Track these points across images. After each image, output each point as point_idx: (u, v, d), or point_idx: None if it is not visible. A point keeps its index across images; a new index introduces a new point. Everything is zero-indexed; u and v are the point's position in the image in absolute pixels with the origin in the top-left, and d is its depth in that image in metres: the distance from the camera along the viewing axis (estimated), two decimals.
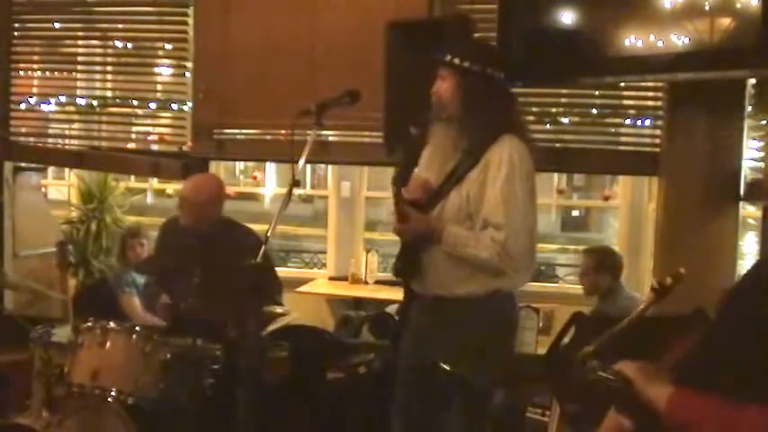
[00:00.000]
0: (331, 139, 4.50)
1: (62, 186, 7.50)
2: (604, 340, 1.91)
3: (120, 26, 4.98)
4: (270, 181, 7.43)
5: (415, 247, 2.84)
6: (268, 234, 2.76)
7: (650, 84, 4.10)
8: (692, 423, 1.58)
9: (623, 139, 4.34)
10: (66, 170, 7.09)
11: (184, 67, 4.82)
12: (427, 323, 2.90)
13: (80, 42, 5.16)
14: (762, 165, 3.68)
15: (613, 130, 4.35)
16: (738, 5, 3.09)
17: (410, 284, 2.97)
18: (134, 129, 5.19)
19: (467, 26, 3.75)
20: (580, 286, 4.49)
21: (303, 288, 5.80)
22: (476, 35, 3.88)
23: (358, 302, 5.79)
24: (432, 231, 2.76)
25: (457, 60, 2.77)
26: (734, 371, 1.57)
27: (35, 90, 5.20)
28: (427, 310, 2.90)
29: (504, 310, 2.84)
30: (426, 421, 2.91)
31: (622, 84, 4.18)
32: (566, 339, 2.59)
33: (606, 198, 7.01)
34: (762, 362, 1.52)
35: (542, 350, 4.48)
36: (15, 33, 5.09)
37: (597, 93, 4.28)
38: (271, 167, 7.70)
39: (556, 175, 8.81)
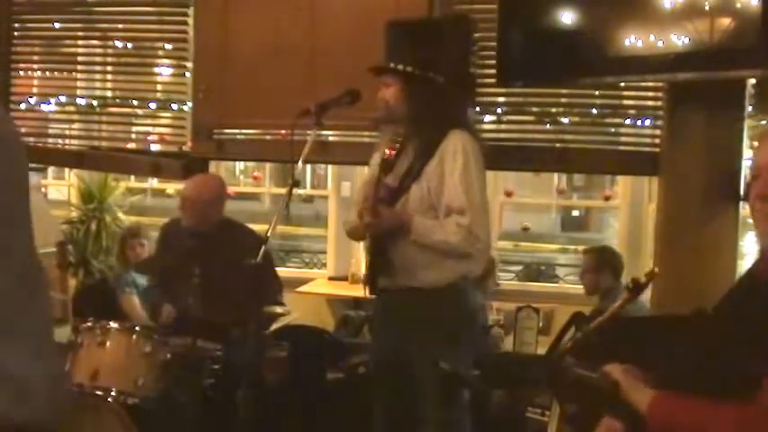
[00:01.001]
0: (331, 139, 4.49)
1: (62, 186, 7.49)
2: (581, 338, 1.92)
3: (120, 26, 4.97)
4: (270, 181, 7.43)
5: (384, 243, 2.94)
6: (268, 234, 2.77)
7: (650, 84, 4.10)
8: (671, 426, 1.60)
9: (623, 139, 4.34)
10: (66, 170, 7.08)
11: (184, 67, 4.82)
12: (398, 317, 3.00)
13: (80, 42, 5.16)
14: None
15: (613, 130, 4.35)
16: (738, 5, 3.09)
17: (376, 282, 3.03)
18: (134, 129, 5.18)
19: (466, 26, 3.75)
20: (580, 286, 4.49)
21: (303, 288, 5.80)
22: (475, 35, 3.89)
23: (358, 302, 5.78)
24: (401, 223, 2.89)
25: (400, 66, 2.95)
26: (726, 371, 1.57)
27: (35, 90, 5.20)
28: (396, 305, 3.00)
29: (469, 296, 3.00)
30: (407, 414, 2.98)
31: (622, 84, 4.18)
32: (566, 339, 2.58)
33: (606, 198, 7.01)
34: (754, 363, 1.52)
35: (542, 350, 4.49)
36: (15, 33, 5.09)
37: (597, 93, 4.28)
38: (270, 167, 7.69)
39: (556, 175, 8.83)
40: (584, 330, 1.94)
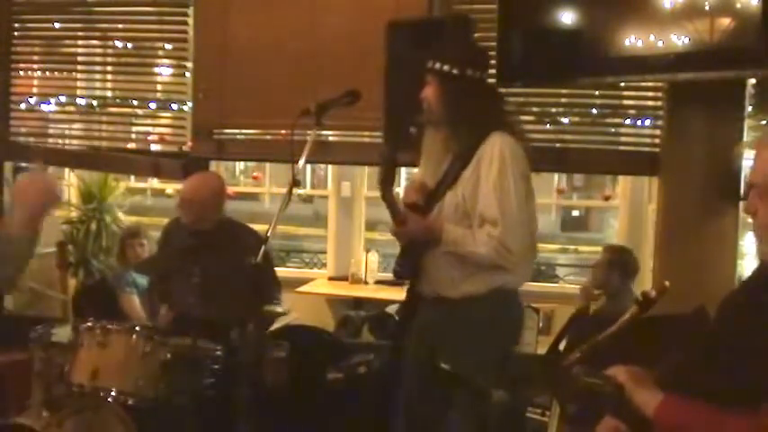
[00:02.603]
0: (331, 139, 4.50)
1: (62, 186, 7.50)
2: (589, 348, 1.91)
3: (120, 26, 4.98)
4: (270, 181, 7.44)
5: (416, 250, 2.86)
6: (268, 234, 2.76)
7: (650, 84, 4.10)
8: (678, 430, 1.59)
9: (623, 139, 4.34)
10: (66, 170, 7.08)
11: (184, 67, 4.82)
12: (431, 323, 2.92)
13: (80, 42, 5.17)
14: None
15: (613, 130, 4.35)
16: (738, 5, 3.09)
17: (415, 286, 2.97)
18: (134, 129, 5.19)
19: (467, 26, 3.75)
20: (582, 284, 4.48)
21: (303, 288, 5.80)
22: (475, 35, 3.88)
23: (358, 302, 5.79)
24: (430, 233, 2.79)
25: (438, 65, 2.82)
26: (731, 375, 1.57)
27: (35, 90, 5.20)
28: (431, 311, 2.92)
29: (506, 309, 2.87)
30: (428, 421, 2.92)
31: (622, 84, 4.18)
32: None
33: (606, 198, 7.01)
34: (757, 366, 1.52)
35: (542, 350, 4.49)
36: (15, 33, 5.09)
37: (597, 93, 4.29)
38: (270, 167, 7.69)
39: (556, 175, 8.83)
40: (592, 342, 1.93)
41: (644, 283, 5.27)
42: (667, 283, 1.93)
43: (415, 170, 3.18)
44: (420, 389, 2.94)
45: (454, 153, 2.84)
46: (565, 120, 4.32)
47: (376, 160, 4.42)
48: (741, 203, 3.69)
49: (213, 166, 5.02)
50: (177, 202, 3.86)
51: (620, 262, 4.27)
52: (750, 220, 1.75)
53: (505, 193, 2.70)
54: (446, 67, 2.81)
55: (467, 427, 2.84)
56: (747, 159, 3.72)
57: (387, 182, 2.84)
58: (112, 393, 3.20)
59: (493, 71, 3.86)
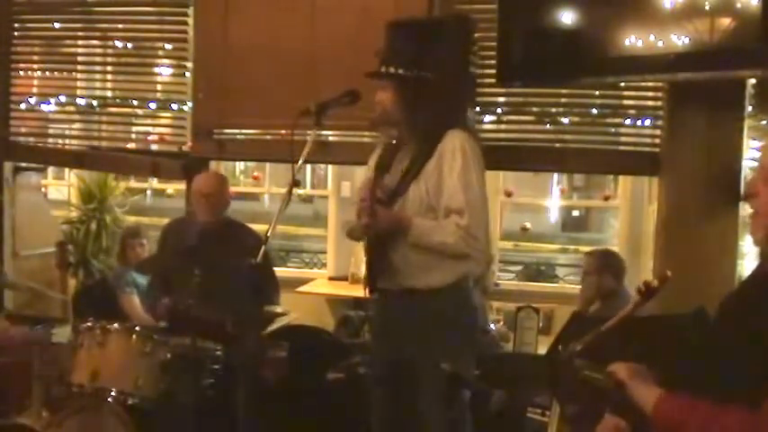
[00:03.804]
0: (331, 139, 4.49)
1: (62, 186, 7.50)
2: (591, 340, 1.92)
3: (120, 26, 4.97)
4: (270, 181, 7.43)
5: (383, 245, 2.93)
6: (268, 234, 2.76)
7: (650, 84, 4.10)
8: (676, 426, 1.60)
9: (623, 139, 4.34)
10: (66, 170, 7.08)
11: (184, 67, 4.82)
12: (398, 318, 2.99)
13: (80, 42, 5.16)
14: None
15: (613, 130, 4.34)
16: (738, 5, 3.09)
17: (376, 283, 3.02)
18: (134, 129, 5.18)
19: (467, 26, 3.75)
20: (580, 286, 4.48)
21: (303, 288, 5.80)
22: (475, 35, 3.88)
23: (358, 302, 5.78)
24: (399, 224, 2.88)
25: (391, 69, 2.94)
26: (730, 374, 1.57)
27: (35, 90, 5.20)
28: (396, 306, 2.99)
29: (469, 296, 2.99)
30: (406, 415, 2.99)
31: (622, 84, 4.17)
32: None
33: (606, 198, 7.00)
34: (757, 365, 1.52)
35: (542, 350, 4.49)
36: (15, 33, 5.09)
37: (597, 93, 4.28)
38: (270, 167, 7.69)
39: (556, 175, 8.84)
40: (594, 333, 1.93)
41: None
42: (669, 272, 1.93)
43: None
44: (394, 384, 3.02)
45: (412, 150, 2.97)
46: (565, 120, 4.31)
47: None
48: (741, 203, 3.69)
49: (213, 166, 5.01)
50: (196, 200, 3.88)
51: (609, 264, 4.27)
52: (748, 208, 1.74)
53: (469, 184, 2.85)
54: (400, 70, 2.93)
55: (438, 414, 2.88)
56: (747, 159, 3.72)
57: (375, 179, 2.94)
58: (112, 393, 3.21)
59: (493, 71, 3.89)
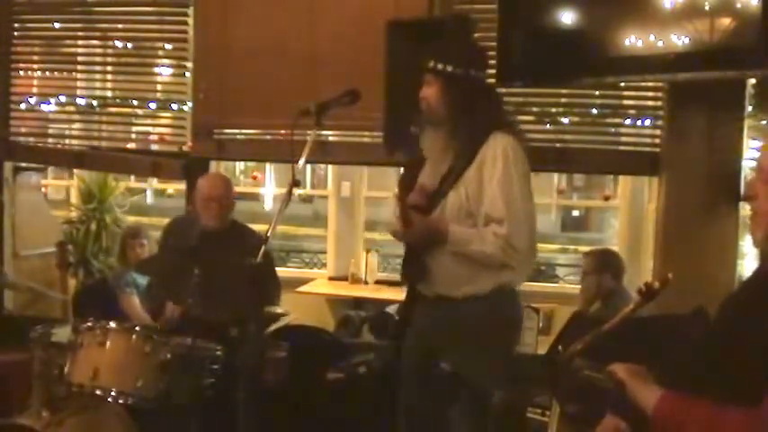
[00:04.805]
0: (331, 139, 4.49)
1: (62, 186, 7.50)
2: (591, 340, 1.92)
3: (120, 26, 4.97)
4: (270, 181, 7.44)
5: (420, 251, 2.86)
6: (268, 234, 2.76)
7: (650, 84, 4.10)
8: (676, 426, 1.60)
9: (623, 139, 4.34)
10: (66, 170, 7.08)
11: (184, 67, 4.82)
12: (431, 323, 2.92)
13: (80, 42, 5.16)
14: None
15: (613, 130, 4.35)
16: (738, 5, 3.09)
17: (415, 286, 2.98)
18: (134, 129, 5.18)
19: (467, 26, 3.75)
20: (580, 286, 4.48)
21: (303, 288, 5.80)
22: (476, 35, 3.87)
23: (358, 302, 5.79)
24: (435, 233, 2.78)
25: (440, 66, 2.82)
26: (730, 374, 1.57)
27: (35, 90, 5.19)
28: (432, 311, 2.92)
29: (507, 308, 2.88)
30: (430, 421, 2.93)
31: (622, 84, 4.17)
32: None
33: (606, 198, 7.01)
34: (756, 365, 1.52)
35: (542, 350, 4.49)
36: (15, 33, 5.08)
37: (597, 93, 4.28)
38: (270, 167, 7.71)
39: (556, 175, 8.83)
40: (595, 333, 1.93)
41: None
42: (671, 274, 1.93)
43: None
44: (419, 389, 2.95)
45: (455, 153, 2.84)
46: (565, 120, 4.31)
47: (376, 160, 4.46)
48: (741, 204, 3.69)
49: (213, 166, 5.01)
50: (202, 204, 3.85)
51: (608, 264, 4.27)
52: (748, 208, 1.75)
53: (510, 192, 2.72)
54: (449, 68, 2.81)
55: (467, 427, 2.85)
56: (747, 159, 3.72)
57: (406, 184, 2.87)
58: (112, 393, 3.21)
59: (493, 71, 3.89)
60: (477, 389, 2.80)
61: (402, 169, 3.11)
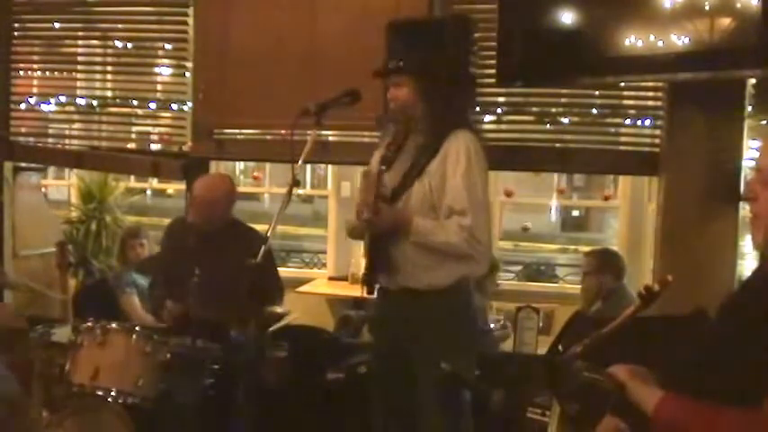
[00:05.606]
0: (331, 139, 4.49)
1: (62, 186, 7.50)
2: (591, 342, 1.92)
3: (120, 26, 4.96)
4: (270, 181, 7.44)
5: (384, 242, 2.92)
6: (268, 234, 2.77)
7: (650, 84, 4.10)
8: (676, 427, 1.60)
9: (623, 139, 4.34)
10: (66, 170, 7.09)
11: (184, 67, 4.82)
12: (398, 317, 2.99)
13: (80, 42, 5.15)
14: None
15: (613, 130, 4.34)
16: (738, 5, 3.09)
17: (376, 281, 3.01)
18: (134, 129, 5.18)
19: (467, 26, 3.75)
20: (580, 286, 4.48)
21: (303, 288, 5.81)
22: (475, 35, 3.88)
23: (358, 302, 5.78)
24: (400, 223, 2.87)
25: (411, 65, 2.93)
26: (730, 375, 1.57)
27: (35, 90, 5.19)
28: (396, 305, 2.99)
29: (468, 297, 3.00)
30: (407, 414, 2.98)
31: (622, 84, 4.17)
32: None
33: (606, 198, 7.01)
34: (756, 366, 1.52)
35: (542, 350, 4.49)
36: (15, 33, 5.08)
37: (597, 93, 4.28)
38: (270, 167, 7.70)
39: (556, 175, 8.83)
40: (595, 335, 1.93)
41: (644, 283, 5.27)
42: (670, 276, 1.93)
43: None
44: (390, 381, 3.02)
45: (417, 147, 2.96)
46: (565, 120, 4.31)
47: None
48: (741, 203, 3.69)
49: (213, 166, 5.01)
50: (190, 201, 3.86)
51: (609, 264, 4.28)
52: (747, 208, 1.75)
53: (473, 186, 2.84)
54: (421, 67, 2.93)
55: (447, 416, 2.88)
56: (747, 160, 3.72)
57: (377, 174, 2.91)
58: (112, 393, 3.21)
59: (493, 71, 3.89)
60: (451, 378, 2.83)
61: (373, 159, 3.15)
